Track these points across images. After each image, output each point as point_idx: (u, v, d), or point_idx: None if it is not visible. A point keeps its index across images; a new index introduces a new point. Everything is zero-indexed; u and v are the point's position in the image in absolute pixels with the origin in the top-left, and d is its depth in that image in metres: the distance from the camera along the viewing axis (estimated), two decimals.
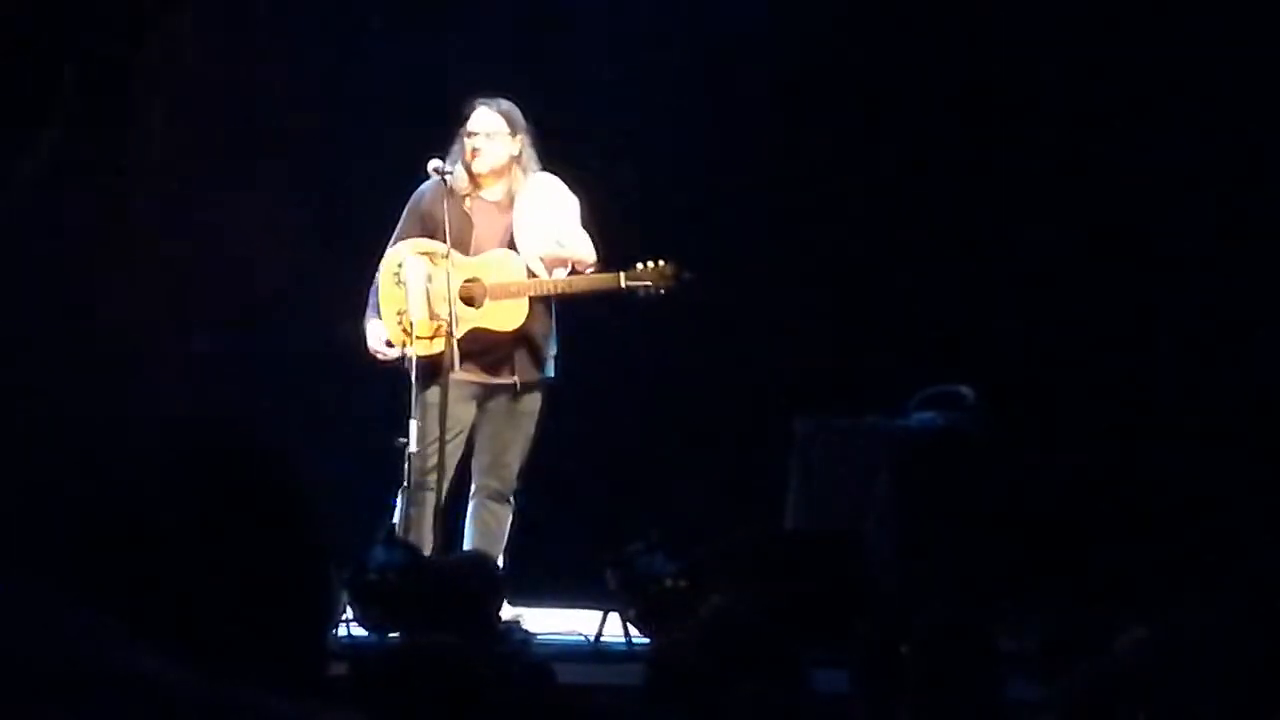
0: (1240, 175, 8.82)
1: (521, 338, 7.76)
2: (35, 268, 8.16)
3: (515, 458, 7.85)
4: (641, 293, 7.78)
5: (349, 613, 7.18)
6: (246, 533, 1.35)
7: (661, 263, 7.79)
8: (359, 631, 7.19)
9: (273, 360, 9.03)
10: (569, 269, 7.79)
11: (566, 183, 7.90)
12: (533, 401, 7.86)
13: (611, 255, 7.87)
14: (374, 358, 7.82)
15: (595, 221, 7.95)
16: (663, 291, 7.78)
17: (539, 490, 8.23)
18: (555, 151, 7.99)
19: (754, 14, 9.27)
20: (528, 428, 7.85)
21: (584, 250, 7.79)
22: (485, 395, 7.82)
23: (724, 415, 9.24)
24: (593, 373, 9.14)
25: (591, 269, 7.78)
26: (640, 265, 7.78)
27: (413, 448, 7.65)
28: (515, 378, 7.78)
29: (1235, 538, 7.73)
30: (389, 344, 7.75)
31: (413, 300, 7.67)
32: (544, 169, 7.89)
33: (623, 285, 7.76)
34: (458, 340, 7.62)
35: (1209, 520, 8.19)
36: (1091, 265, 9.14)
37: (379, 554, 7.28)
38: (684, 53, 9.30)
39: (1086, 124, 9.11)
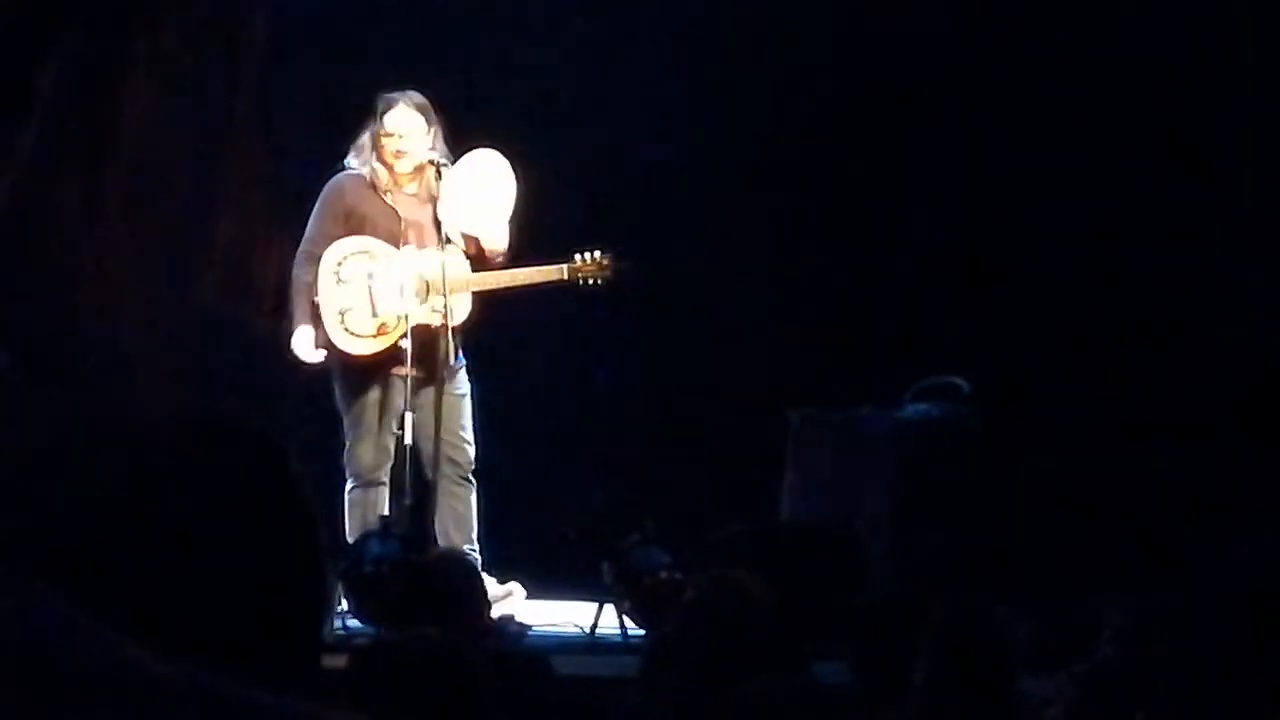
0: (1240, 171, 8.81)
1: (452, 332, 7.71)
2: (24, 262, 8.11)
3: (462, 440, 7.79)
4: (583, 283, 7.81)
5: (344, 605, 7.17)
6: (241, 525, 1.33)
7: (598, 253, 7.81)
8: (353, 624, 7.18)
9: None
10: (477, 256, 7.77)
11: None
12: (461, 384, 7.82)
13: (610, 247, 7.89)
14: (298, 362, 7.75)
15: (581, 218, 7.97)
16: (600, 282, 7.81)
17: (534, 483, 8.20)
18: (552, 147, 7.98)
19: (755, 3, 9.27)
20: (462, 408, 7.81)
21: (489, 237, 7.77)
22: (414, 388, 7.76)
23: (719, 407, 9.23)
24: (588, 366, 9.13)
25: (500, 259, 7.76)
26: (580, 257, 7.80)
27: (408, 440, 7.63)
28: (439, 368, 7.70)
29: (1235, 531, 7.72)
30: (317, 349, 7.72)
31: (357, 299, 7.66)
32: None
33: (564, 277, 7.78)
34: (401, 336, 7.64)
35: (1208, 514, 8.18)
36: (1087, 258, 9.13)
37: (373, 546, 7.27)
38: (691, 46, 9.28)
39: (1086, 121, 9.10)
